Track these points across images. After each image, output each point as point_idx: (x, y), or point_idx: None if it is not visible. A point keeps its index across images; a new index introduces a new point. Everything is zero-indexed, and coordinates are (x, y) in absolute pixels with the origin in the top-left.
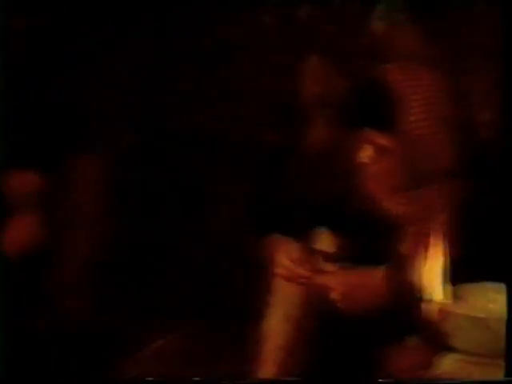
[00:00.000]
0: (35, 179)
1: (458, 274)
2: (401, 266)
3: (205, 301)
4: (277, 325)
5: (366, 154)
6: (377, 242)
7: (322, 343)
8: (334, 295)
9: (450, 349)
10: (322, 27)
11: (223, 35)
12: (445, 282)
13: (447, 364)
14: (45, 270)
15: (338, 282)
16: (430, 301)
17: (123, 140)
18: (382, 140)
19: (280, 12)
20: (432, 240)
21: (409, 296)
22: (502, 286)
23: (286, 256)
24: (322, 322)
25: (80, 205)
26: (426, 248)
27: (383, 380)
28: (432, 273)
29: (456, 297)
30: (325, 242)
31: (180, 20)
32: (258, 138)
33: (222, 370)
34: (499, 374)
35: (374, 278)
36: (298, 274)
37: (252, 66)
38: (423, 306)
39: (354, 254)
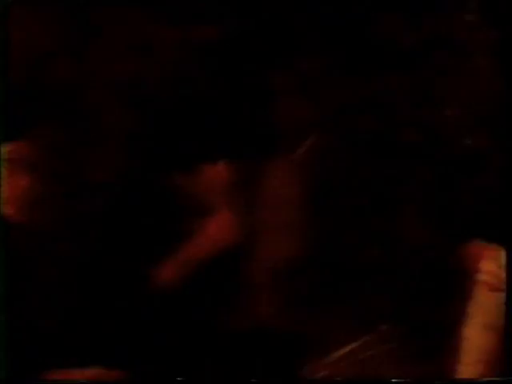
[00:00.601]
0: (227, 171)
1: None
2: None
3: (401, 305)
4: (476, 334)
5: None
6: None
7: None
8: None
9: None
10: None
11: (427, 35)
12: None
13: None
14: (238, 270)
15: None
16: None
17: (314, 142)
18: None
19: (484, 8)
20: None
21: None
22: None
23: (493, 263)
24: None
25: (275, 205)
26: None
27: None
28: None
29: None
30: None
31: (380, 18)
32: (457, 142)
33: (418, 375)
34: None
35: None
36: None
37: (453, 66)
38: None
39: None
